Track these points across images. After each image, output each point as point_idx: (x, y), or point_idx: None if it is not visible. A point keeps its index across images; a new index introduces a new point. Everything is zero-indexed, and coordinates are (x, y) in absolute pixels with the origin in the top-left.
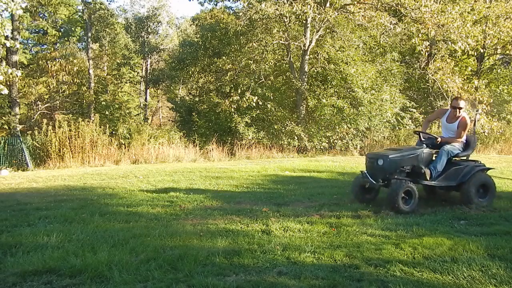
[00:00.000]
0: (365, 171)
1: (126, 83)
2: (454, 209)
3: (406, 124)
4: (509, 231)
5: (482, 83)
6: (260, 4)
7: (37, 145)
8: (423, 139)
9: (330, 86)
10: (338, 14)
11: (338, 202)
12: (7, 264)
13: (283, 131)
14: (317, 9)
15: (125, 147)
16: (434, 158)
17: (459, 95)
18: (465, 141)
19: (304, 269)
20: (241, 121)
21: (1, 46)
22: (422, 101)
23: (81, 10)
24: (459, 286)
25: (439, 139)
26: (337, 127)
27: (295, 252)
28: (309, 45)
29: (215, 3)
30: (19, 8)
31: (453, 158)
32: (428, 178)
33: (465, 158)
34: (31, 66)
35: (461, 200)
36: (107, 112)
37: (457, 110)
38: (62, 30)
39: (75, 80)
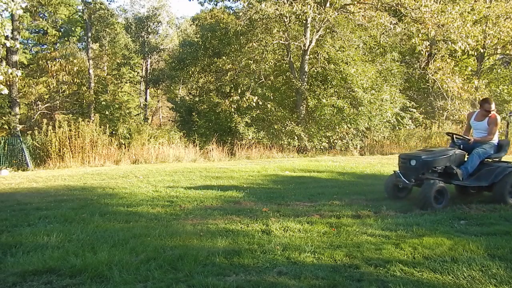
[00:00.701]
0: (398, 171)
1: (126, 83)
2: (454, 209)
3: (406, 124)
4: (509, 231)
5: (482, 83)
6: (260, 4)
7: (37, 145)
8: (455, 141)
9: (330, 86)
10: (338, 14)
11: (338, 202)
12: (7, 264)
13: (283, 131)
14: (317, 9)
15: (125, 147)
16: (466, 159)
17: (488, 97)
18: (496, 144)
19: (304, 269)
20: (241, 121)
21: (1, 46)
22: (422, 101)
23: (81, 10)
24: (459, 286)
25: (471, 140)
26: (337, 127)
27: (295, 252)
28: (309, 45)
29: (215, 3)
30: (19, 8)
31: (486, 159)
32: (460, 179)
33: (497, 159)
34: (31, 66)
35: (494, 200)
36: (107, 112)
37: (487, 112)
38: (62, 30)
39: (75, 80)
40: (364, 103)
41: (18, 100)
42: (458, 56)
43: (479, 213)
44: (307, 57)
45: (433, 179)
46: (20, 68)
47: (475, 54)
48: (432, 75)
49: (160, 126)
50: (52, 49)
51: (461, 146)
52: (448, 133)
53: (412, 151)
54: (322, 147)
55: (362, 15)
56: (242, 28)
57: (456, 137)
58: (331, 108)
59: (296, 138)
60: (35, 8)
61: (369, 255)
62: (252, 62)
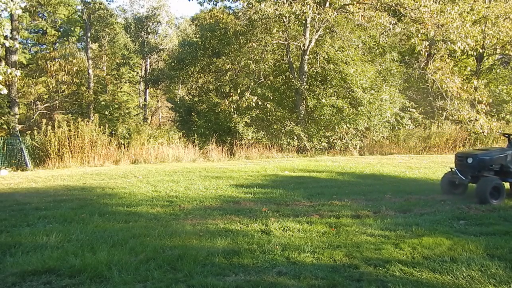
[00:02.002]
0: (455, 168)
1: (126, 83)
2: (453, 209)
3: (405, 124)
4: (508, 231)
5: (481, 83)
6: (260, 4)
7: (37, 145)
8: None
9: (329, 86)
10: (337, 14)
11: (338, 202)
12: (7, 264)
13: (282, 131)
14: (316, 9)
15: (124, 147)
16: None
17: None
18: None
19: (303, 269)
20: (241, 121)
21: (0, 46)
22: (422, 101)
23: (80, 10)
24: (459, 286)
25: None
26: (336, 127)
27: (295, 252)
28: (308, 45)
29: (214, 3)
30: (18, 8)
31: None
32: None
33: None
34: (30, 66)
35: None
36: (106, 112)
37: None
38: (61, 30)
39: (74, 80)
40: (364, 103)
41: (17, 100)
42: (458, 56)
43: (479, 213)
44: (306, 57)
45: (489, 176)
46: (19, 68)
47: (474, 54)
48: (431, 75)
49: (160, 126)
50: (51, 49)
51: None
52: (504, 134)
53: (469, 150)
54: (321, 147)
55: (362, 15)
56: (241, 28)
57: None
58: (330, 108)
59: (295, 138)
60: (34, 8)
61: (369, 255)
62: (251, 62)
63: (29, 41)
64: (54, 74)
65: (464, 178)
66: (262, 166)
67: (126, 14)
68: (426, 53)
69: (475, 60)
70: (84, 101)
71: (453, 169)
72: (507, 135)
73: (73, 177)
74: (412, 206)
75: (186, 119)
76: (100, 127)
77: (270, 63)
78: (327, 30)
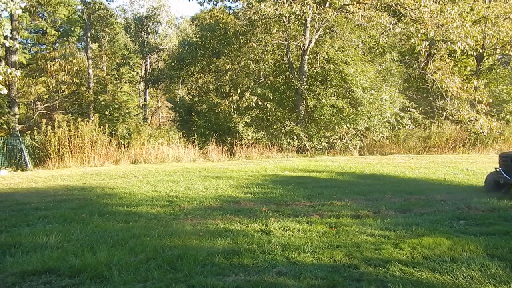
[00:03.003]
0: (500, 168)
1: (126, 83)
2: (453, 209)
3: (405, 124)
4: (508, 231)
5: (481, 83)
6: (260, 4)
7: (36, 145)
8: None
9: (329, 86)
10: (337, 14)
11: (338, 202)
12: (6, 264)
13: (282, 131)
14: (316, 9)
15: (124, 147)
16: None
17: None
18: None
19: (303, 269)
20: (241, 121)
21: (0, 46)
22: (422, 101)
23: (80, 10)
24: (459, 286)
25: None
26: (336, 127)
27: (295, 252)
28: (308, 45)
29: (214, 3)
30: (18, 7)
31: None
32: None
33: None
34: (30, 66)
35: None
36: (106, 112)
37: None
38: (61, 30)
39: (74, 80)
40: (364, 103)
41: (17, 100)
42: (457, 56)
43: (478, 213)
44: (306, 57)
45: None
46: (19, 68)
47: (474, 54)
48: (431, 75)
49: (160, 126)
50: (51, 49)
51: None
52: None
53: None
54: (321, 147)
55: (362, 15)
56: (241, 28)
57: None
58: (330, 108)
59: (295, 138)
60: (34, 8)
61: (369, 255)
62: (251, 62)
63: (29, 41)
64: (54, 74)
65: (509, 178)
66: (262, 166)
67: (126, 14)
68: (426, 53)
69: (475, 60)
70: (84, 101)
71: (497, 169)
72: None
73: (73, 177)
74: (412, 206)
75: (186, 119)
76: (100, 127)
77: (270, 63)
78: (327, 30)
